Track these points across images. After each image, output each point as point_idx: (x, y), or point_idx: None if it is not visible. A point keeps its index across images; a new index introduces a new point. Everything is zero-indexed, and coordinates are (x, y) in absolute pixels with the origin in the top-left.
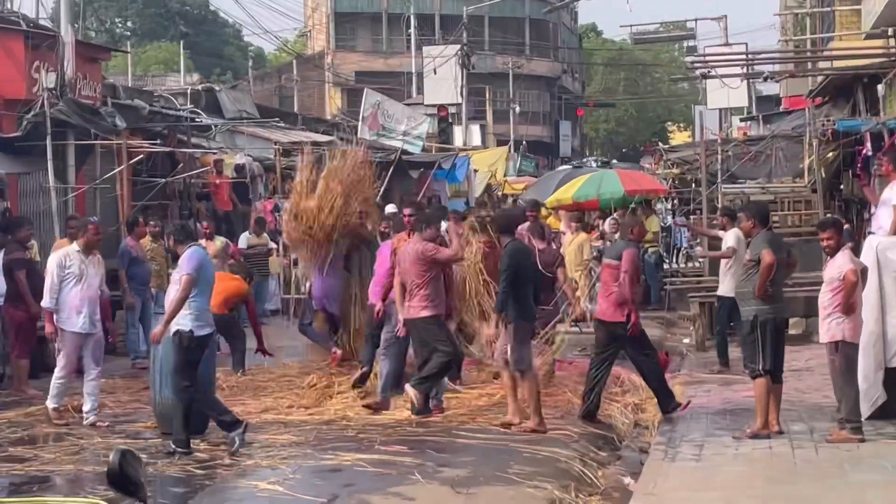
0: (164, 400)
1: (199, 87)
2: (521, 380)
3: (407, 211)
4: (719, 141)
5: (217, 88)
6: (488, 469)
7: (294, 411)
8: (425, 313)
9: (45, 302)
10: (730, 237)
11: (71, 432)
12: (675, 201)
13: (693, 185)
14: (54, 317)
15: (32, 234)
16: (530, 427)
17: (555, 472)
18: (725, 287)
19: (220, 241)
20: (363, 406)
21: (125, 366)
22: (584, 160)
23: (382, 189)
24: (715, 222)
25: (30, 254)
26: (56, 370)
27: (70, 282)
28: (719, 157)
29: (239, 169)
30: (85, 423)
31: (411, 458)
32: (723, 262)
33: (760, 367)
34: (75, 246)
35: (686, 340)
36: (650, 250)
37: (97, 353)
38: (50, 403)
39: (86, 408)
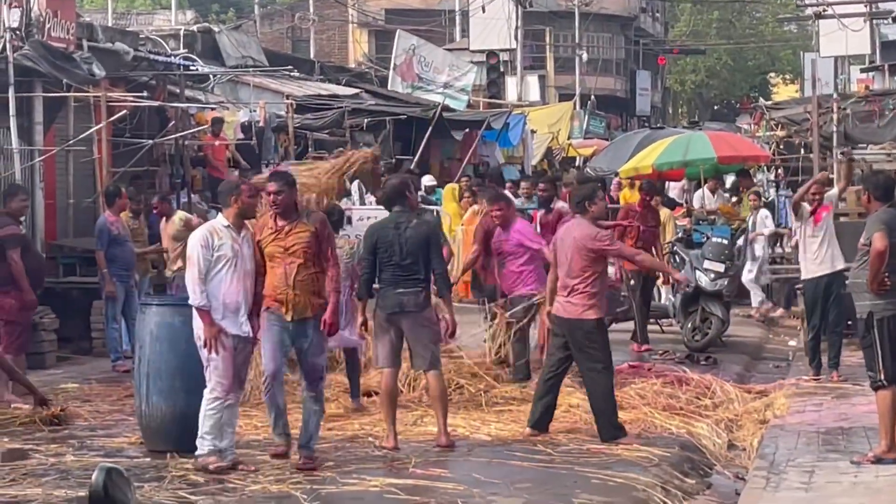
0: (151, 409)
1: (195, 28)
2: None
3: (273, 187)
4: (835, 96)
5: (216, 30)
6: (549, 498)
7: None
8: (591, 315)
9: (196, 299)
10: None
11: (38, 448)
12: (780, 171)
13: (802, 150)
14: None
15: (27, 206)
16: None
17: (630, 502)
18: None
19: (179, 217)
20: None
21: (104, 368)
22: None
23: (419, 154)
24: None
25: (23, 228)
26: (206, 393)
27: (221, 269)
28: (835, 115)
29: (245, 129)
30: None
31: (454, 483)
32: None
33: (881, 377)
34: (222, 219)
35: (792, 343)
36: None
37: (245, 368)
38: (204, 447)
39: (222, 443)
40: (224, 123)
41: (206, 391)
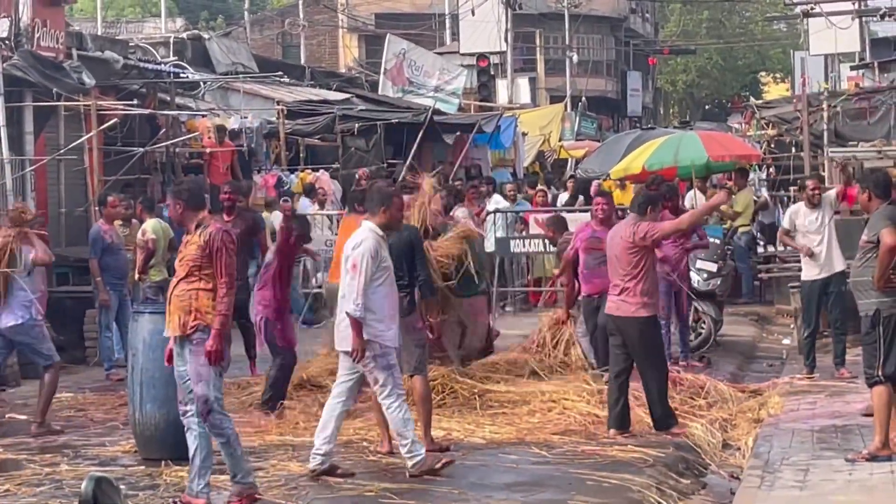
0: (145, 418)
1: (185, 36)
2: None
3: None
4: (825, 94)
5: (206, 37)
6: (544, 501)
7: (305, 431)
8: (644, 313)
9: (357, 309)
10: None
11: (33, 458)
12: (771, 169)
13: (793, 149)
14: (363, 328)
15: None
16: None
17: (626, 503)
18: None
19: (142, 228)
20: None
21: (98, 377)
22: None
23: (410, 157)
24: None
25: None
26: (384, 400)
27: (384, 279)
28: (825, 113)
29: (235, 135)
30: None
31: (449, 487)
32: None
33: (879, 373)
34: (377, 228)
35: (786, 341)
36: (740, 230)
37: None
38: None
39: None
40: (227, 131)
41: (382, 398)
